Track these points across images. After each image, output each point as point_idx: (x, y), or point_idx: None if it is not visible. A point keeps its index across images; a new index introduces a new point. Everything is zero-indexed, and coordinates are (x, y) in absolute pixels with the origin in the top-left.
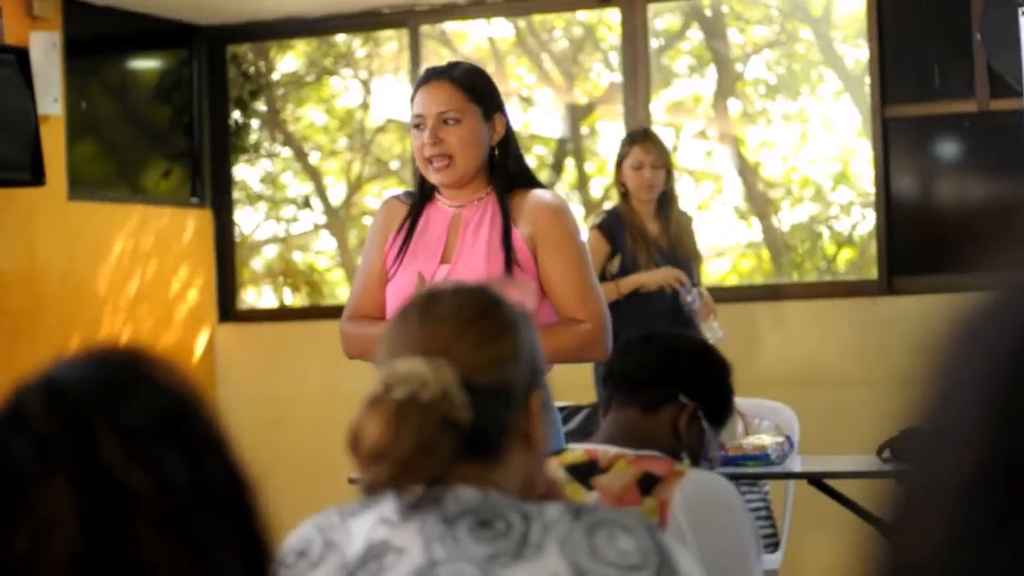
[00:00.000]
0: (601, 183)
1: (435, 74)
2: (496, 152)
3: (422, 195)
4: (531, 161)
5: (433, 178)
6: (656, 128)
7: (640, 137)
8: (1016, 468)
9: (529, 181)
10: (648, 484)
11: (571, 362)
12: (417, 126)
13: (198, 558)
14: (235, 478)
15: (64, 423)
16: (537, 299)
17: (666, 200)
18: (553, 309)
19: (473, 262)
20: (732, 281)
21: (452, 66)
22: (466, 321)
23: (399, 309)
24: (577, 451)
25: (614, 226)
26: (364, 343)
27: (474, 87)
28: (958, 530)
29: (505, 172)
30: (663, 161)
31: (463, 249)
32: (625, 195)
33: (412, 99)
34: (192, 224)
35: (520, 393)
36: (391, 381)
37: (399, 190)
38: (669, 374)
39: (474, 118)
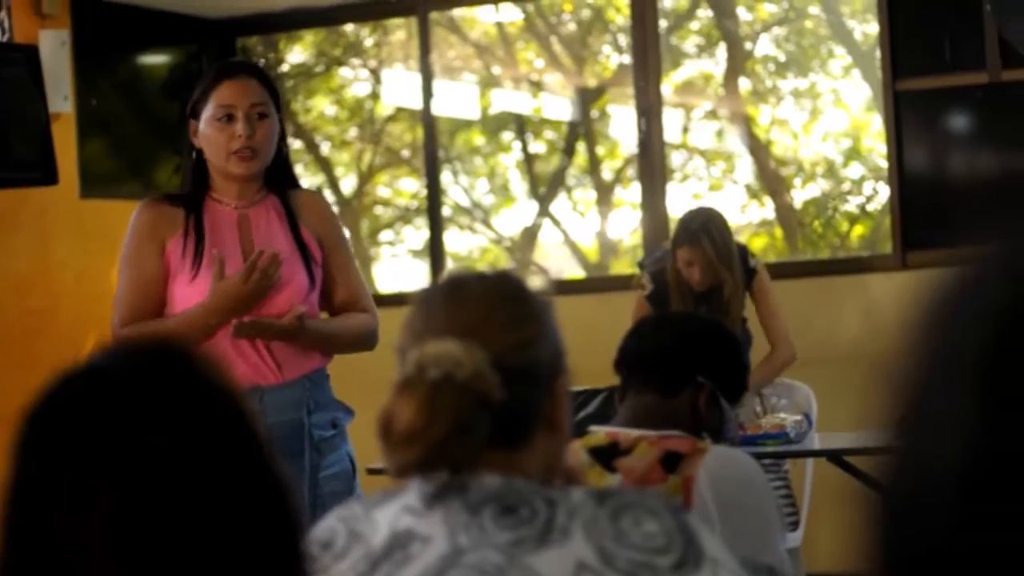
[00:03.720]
0: (612, 166)
1: (243, 69)
2: (282, 152)
3: (195, 196)
4: (541, 147)
5: (237, 169)
6: (666, 109)
7: (689, 239)
8: (1013, 447)
9: (295, 182)
10: (672, 462)
11: (355, 350)
12: (222, 117)
13: (235, 550)
14: (271, 474)
15: (106, 413)
16: (314, 294)
17: (718, 295)
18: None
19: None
20: None
21: (252, 64)
22: (494, 303)
23: (420, 294)
24: (599, 434)
25: (661, 297)
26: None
27: (273, 88)
28: (962, 518)
29: (283, 172)
30: (714, 267)
31: (264, 248)
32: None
33: (209, 90)
34: None
35: (546, 377)
36: (424, 362)
37: (398, 182)
38: (685, 356)
39: (274, 116)
